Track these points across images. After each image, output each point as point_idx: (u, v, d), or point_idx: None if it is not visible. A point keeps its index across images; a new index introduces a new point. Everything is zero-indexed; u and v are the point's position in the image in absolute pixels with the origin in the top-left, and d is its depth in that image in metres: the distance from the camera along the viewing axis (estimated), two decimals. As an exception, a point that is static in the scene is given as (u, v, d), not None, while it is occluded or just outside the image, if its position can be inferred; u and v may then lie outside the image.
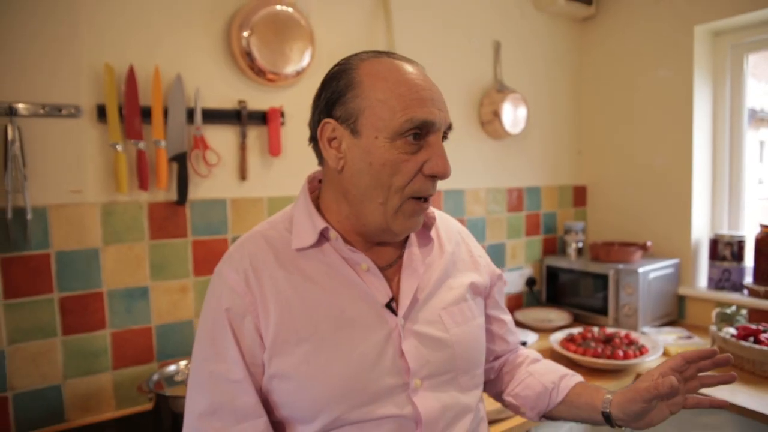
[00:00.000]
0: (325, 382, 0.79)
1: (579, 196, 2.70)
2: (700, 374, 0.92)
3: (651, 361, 1.79)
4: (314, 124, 0.87)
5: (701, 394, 0.98)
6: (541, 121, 2.50)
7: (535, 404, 1.03)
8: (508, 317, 1.11)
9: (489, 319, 1.05)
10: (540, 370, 1.06)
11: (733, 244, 2.22)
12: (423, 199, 0.85)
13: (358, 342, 0.82)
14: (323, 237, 0.86)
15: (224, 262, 0.87)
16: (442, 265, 0.95)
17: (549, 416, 1.04)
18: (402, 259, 0.91)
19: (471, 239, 1.08)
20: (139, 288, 1.57)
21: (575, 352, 1.83)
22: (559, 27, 2.53)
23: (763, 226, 2.13)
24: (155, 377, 1.48)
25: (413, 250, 0.92)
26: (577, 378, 1.04)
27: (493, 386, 1.11)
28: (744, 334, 1.79)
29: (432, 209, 0.98)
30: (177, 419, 1.36)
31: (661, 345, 1.89)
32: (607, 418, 0.94)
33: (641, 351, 1.83)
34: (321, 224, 0.85)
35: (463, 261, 1.00)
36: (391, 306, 0.86)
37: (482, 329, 0.98)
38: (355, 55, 0.87)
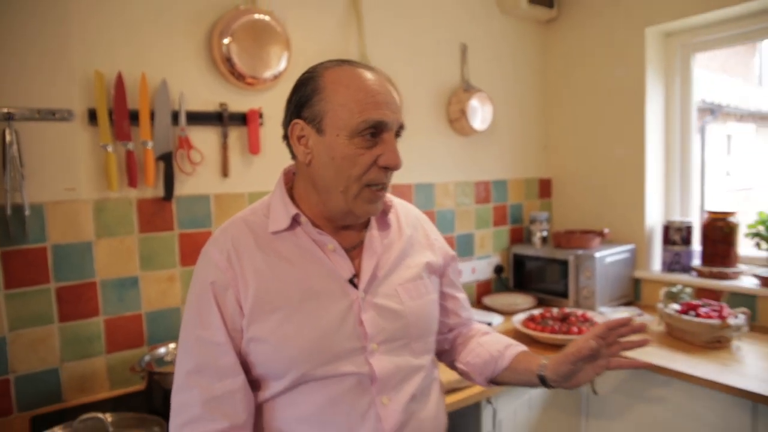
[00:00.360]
0: (295, 344, 0.93)
1: (544, 188, 2.87)
2: (621, 340, 1.06)
3: (603, 337, 1.96)
4: (286, 124, 1.00)
5: (625, 357, 1.13)
6: (508, 118, 2.65)
7: (483, 371, 1.17)
8: (462, 295, 1.25)
9: (444, 295, 1.20)
10: (488, 341, 1.21)
11: (683, 230, 2.41)
12: (378, 187, 0.99)
13: (323, 311, 0.96)
14: (295, 222, 1.00)
15: (210, 243, 1.01)
16: (401, 246, 1.09)
17: (495, 381, 1.19)
18: (364, 242, 1.05)
19: (428, 224, 1.22)
20: (129, 278, 1.70)
21: (534, 329, 2.00)
22: (524, 29, 2.69)
23: (710, 213, 2.31)
24: (146, 358, 1.61)
25: (373, 233, 1.06)
26: (520, 347, 1.19)
27: (448, 356, 1.25)
28: (686, 309, 1.98)
29: (390, 197, 1.12)
30: (167, 396, 1.47)
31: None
32: (543, 380, 1.09)
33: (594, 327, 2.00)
34: (293, 210, 0.99)
35: (420, 243, 1.15)
36: (353, 281, 1.00)
37: (435, 304, 1.13)
38: (321, 63, 1.00)
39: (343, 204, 0.97)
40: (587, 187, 2.73)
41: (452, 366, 1.25)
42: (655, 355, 1.86)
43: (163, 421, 1.36)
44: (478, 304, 2.55)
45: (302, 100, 0.96)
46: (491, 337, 1.23)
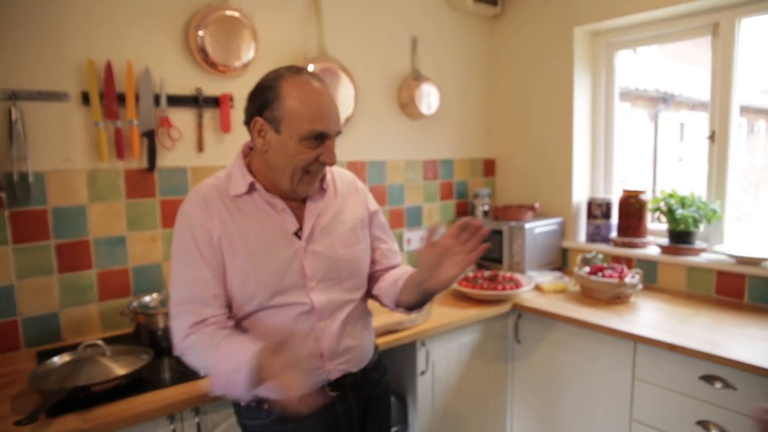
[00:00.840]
0: (255, 279, 1.25)
1: (489, 167, 3.21)
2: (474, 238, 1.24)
3: (524, 291, 2.33)
4: (249, 116, 1.26)
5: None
6: (455, 104, 2.98)
7: (388, 293, 1.42)
8: (387, 245, 1.53)
9: (373, 244, 1.50)
10: (396, 271, 1.46)
11: (603, 205, 2.78)
12: (316, 174, 1.28)
13: (274, 256, 1.28)
14: (252, 188, 1.29)
15: (187, 202, 1.29)
16: (336, 205, 1.40)
17: (399, 304, 1.40)
18: (306, 203, 1.35)
19: (360, 185, 1.51)
20: (118, 237, 1.99)
21: (466, 287, 2.35)
22: (470, 24, 3.00)
23: (625, 191, 2.68)
24: (134, 305, 1.90)
25: (314, 196, 1.36)
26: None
27: (371, 290, 1.50)
28: (594, 271, 2.35)
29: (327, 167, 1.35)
30: (153, 335, 1.79)
31: (534, 281, 2.44)
32: (419, 284, 1.31)
33: (517, 285, 2.37)
34: (249, 179, 1.28)
35: (353, 202, 1.45)
36: (298, 234, 1.32)
37: (365, 251, 1.44)
38: (281, 72, 1.23)
39: (289, 185, 1.26)
40: (525, 167, 3.08)
41: (370, 295, 1.50)
42: (569, 309, 2.23)
43: (150, 350, 1.67)
44: (425, 268, 2.89)
45: (264, 104, 1.21)
46: (400, 269, 1.49)
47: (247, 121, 1.27)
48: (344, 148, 2.51)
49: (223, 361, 1.15)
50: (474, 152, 3.12)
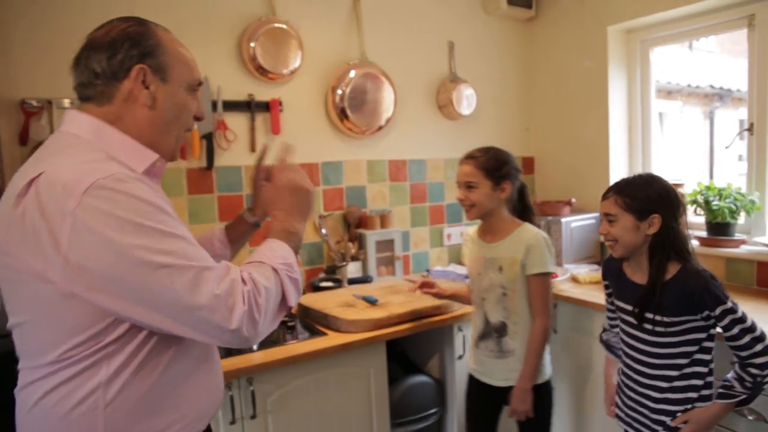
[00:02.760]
0: None
1: (528, 165, 3.30)
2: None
3: (559, 281, 2.41)
4: (119, 67, 0.98)
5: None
6: (492, 104, 3.09)
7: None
8: None
9: None
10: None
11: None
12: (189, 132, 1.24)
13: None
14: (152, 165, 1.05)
15: (129, 188, 0.89)
16: None
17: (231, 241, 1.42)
18: None
19: None
20: (181, 229, 2.20)
21: (502, 276, 2.45)
22: (505, 27, 3.11)
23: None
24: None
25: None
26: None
27: None
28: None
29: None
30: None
31: (569, 272, 2.51)
32: (243, 214, 1.42)
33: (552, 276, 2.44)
34: (151, 153, 1.03)
35: None
36: None
37: None
38: (142, 21, 1.04)
39: (173, 145, 1.09)
40: (562, 164, 3.15)
41: None
42: (593, 296, 2.30)
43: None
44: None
45: (146, 50, 1.00)
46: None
47: (116, 73, 0.99)
48: (386, 148, 2.67)
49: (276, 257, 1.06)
50: (512, 151, 3.18)
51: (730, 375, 1.47)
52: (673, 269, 1.51)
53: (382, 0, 2.65)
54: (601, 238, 1.67)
